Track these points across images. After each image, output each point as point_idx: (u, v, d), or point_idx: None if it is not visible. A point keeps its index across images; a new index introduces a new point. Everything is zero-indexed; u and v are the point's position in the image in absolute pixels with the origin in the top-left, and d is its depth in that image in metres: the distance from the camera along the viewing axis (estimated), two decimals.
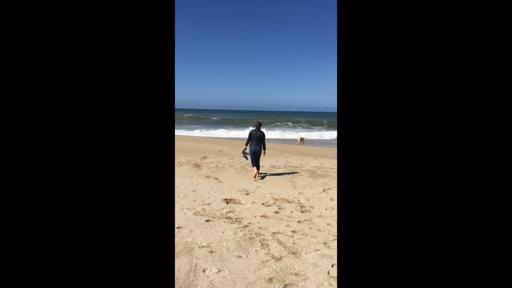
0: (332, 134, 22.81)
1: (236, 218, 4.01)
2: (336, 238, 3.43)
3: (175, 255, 2.91)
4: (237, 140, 17.03)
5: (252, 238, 3.38)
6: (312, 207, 4.59)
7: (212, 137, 19.03)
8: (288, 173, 7.19)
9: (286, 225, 3.80)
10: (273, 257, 2.93)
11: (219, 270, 2.66)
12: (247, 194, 5.26)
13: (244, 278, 2.55)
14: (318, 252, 3.07)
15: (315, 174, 7.21)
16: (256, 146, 6.51)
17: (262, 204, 4.70)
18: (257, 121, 6.93)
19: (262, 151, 6.63)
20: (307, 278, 2.59)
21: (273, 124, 32.12)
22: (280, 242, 3.28)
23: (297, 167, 8.12)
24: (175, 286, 2.40)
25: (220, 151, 11.21)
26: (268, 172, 7.29)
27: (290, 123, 33.46)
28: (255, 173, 6.49)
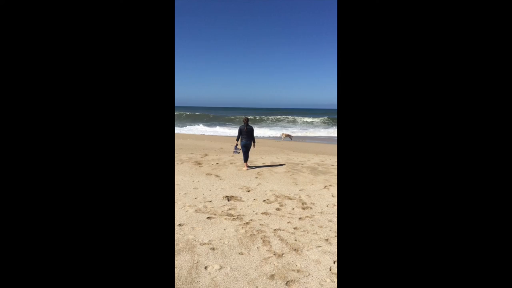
0: (330, 132, 22.76)
1: (238, 215, 4.01)
2: None
3: (177, 252, 2.91)
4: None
5: (254, 235, 3.38)
6: (313, 204, 4.59)
7: (212, 135, 19.00)
8: (289, 170, 7.18)
9: (288, 222, 3.80)
10: (274, 254, 2.93)
11: (221, 267, 2.66)
12: (248, 191, 5.26)
13: (246, 275, 2.55)
14: (320, 248, 3.07)
15: (316, 171, 7.20)
16: (247, 140, 7.18)
17: (263, 201, 4.70)
18: (245, 117, 7.56)
19: (252, 144, 7.28)
20: (309, 274, 2.59)
21: (273, 120, 32.06)
22: (281, 239, 3.28)
23: (298, 164, 8.12)
24: (177, 283, 2.40)
25: (221, 148, 11.20)
26: (269, 169, 7.28)
27: (287, 119, 33.39)
28: (244, 166, 7.23)
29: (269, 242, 3.20)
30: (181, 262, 2.72)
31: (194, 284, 2.40)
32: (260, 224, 3.70)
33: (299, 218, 3.95)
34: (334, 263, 2.79)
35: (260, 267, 2.69)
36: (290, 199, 4.84)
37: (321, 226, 3.67)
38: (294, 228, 3.60)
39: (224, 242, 3.17)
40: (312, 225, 3.73)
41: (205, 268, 2.64)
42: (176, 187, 5.41)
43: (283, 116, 36.22)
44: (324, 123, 32.03)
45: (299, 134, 20.60)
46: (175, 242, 3.13)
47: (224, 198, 4.78)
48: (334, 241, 3.27)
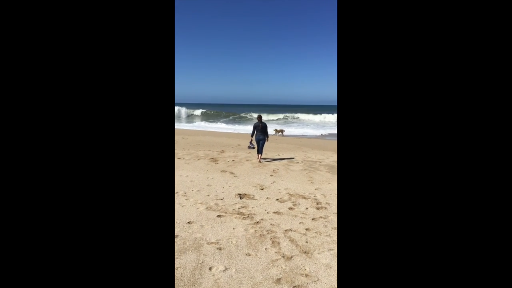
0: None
1: (249, 214, 3.90)
2: None
3: (183, 251, 2.85)
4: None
5: (263, 235, 3.26)
6: (328, 204, 4.40)
7: (230, 132, 19.04)
8: (306, 168, 6.99)
9: (300, 222, 3.65)
10: (283, 256, 2.80)
11: (226, 269, 2.57)
12: (262, 189, 5.15)
13: (251, 277, 2.45)
14: (332, 252, 2.91)
15: (334, 169, 6.96)
16: (260, 135, 7.80)
17: (277, 200, 4.57)
18: (259, 114, 8.51)
19: (266, 138, 7.89)
20: (318, 279, 2.44)
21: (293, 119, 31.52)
22: (292, 240, 3.14)
23: (315, 161, 7.90)
24: (179, 284, 2.34)
25: (239, 145, 11.16)
26: (285, 166, 7.13)
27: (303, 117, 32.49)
28: (258, 158, 7.80)
29: (278, 243, 3.08)
30: (186, 261, 2.66)
31: (196, 286, 2.32)
32: (271, 224, 3.58)
33: (312, 219, 3.78)
34: None
35: (267, 269, 2.57)
36: (305, 198, 4.68)
37: (335, 228, 3.50)
38: (306, 229, 3.45)
39: (231, 242, 3.07)
40: (326, 226, 3.56)
41: (210, 269, 2.56)
42: (190, 183, 5.39)
43: (299, 114, 35.26)
44: None
45: (317, 133, 20.16)
46: (183, 241, 3.07)
47: (237, 196, 4.70)
48: None
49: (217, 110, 43.25)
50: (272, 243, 3.08)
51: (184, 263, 2.63)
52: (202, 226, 3.48)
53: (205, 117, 34.96)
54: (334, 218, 3.81)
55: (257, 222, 3.63)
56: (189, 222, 3.58)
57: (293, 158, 8.43)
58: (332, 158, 8.58)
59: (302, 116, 33.26)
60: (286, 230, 3.40)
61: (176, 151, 9.15)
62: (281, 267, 2.61)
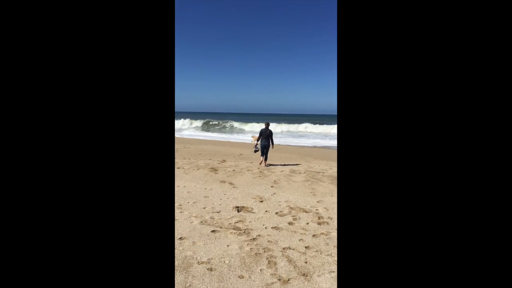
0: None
1: (245, 229, 3.66)
2: None
3: None
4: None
5: (259, 254, 3.02)
6: (331, 219, 4.14)
7: (232, 141, 18.85)
8: (308, 179, 6.73)
9: (300, 239, 3.40)
10: (279, 279, 2.55)
11: None
12: (261, 201, 4.91)
13: None
14: (333, 274, 2.65)
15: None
16: (266, 141, 8.27)
17: (276, 213, 4.32)
18: (266, 121, 8.89)
19: (271, 145, 8.36)
20: None
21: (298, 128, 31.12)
22: (289, 260, 2.89)
23: (318, 172, 7.64)
24: None
25: (241, 154, 10.95)
26: (287, 177, 6.88)
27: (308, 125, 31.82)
28: (262, 162, 8.32)
29: (275, 263, 2.83)
30: None
31: None
32: (268, 241, 3.33)
33: (313, 235, 3.53)
34: None
35: None
36: (306, 212, 4.42)
37: (337, 246, 3.23)
38: (305, 247, 3.19)
39: (224, 262, 2.83)
40: (327, 244, 3.30)
41: None
42: (187, 195, 5.17)
43: (307, 123, 34.62)
44: None
45: (325, 143, 19.90)
46: None
47: (234, 209, 4.46)
48: None
49: (219, 120, 42.39)
50: (268, 263, 2.83)
51: None
52: (194, 242, 3.25)
53: (207, 128, 34.10)
54: (336, 235, 3.55)
55: (254, 239, 3.38)
56: (180, 238, 3.35)
57: (295, 168, 8.18)
58: (335, 168, 8.31)
59: (307, 126, 32.75)
60: (284, 248, 3.16)
61: (176, 160, 8.97)
62: None
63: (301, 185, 6.13)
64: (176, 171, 7.16)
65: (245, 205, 4.66)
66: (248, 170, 7.58)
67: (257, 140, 8.46)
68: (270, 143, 8.30)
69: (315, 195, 5.42)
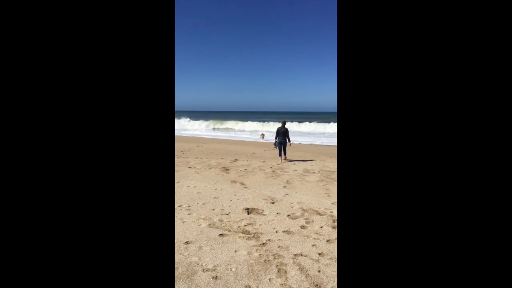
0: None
1: (255, 233, 3.47)
2: None
3: None
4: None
5: (269, 261, 2.82)
6: None
7: (244, 140, 18.69)
8: (323, 179, 6.47)
9: (312, 245, 3.18)
10: None
11: None
12: (273, 203, 4.70)
13: None
14: None
15: None
16: (282, 139, 8.84)
17: (288, 216, 4.11)
18: (283, 120, 9.38)
19: (288, 142, 8.95)
20: None
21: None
22: (301, 269, 2.68)
23: (334, 172, 7.35)
24: None
25: (253, 153, 10.77)
26: (300, 177, 6.64)
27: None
28: (280, 159, 8.83)
29: (285, 272, 2.62)
30: None
31: None
32: (279, 247, 3.13)
33: (327, 241, 3.30)
34: None
35: None
36: (320, 214, 4.18)
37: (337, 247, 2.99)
38: (319, 254, 2.97)
39: (231, 269, 2.65)
40: None
41: None
42: (196, 195, 5.04)
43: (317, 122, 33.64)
44: None
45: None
46: (175, 266, 2.69)
47: (244, 211, 4.28)
48: None
49: (222, 119, 40.46)
50: (278, 271, 2.63)
51: None
52: (200, 247, 3.08)
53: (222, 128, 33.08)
54: None
55: (263, 244, 3.19)
56: (186, 242, 3.19)
57: (309, 167, 7.92)
58: None
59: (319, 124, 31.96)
60: (295, 255, 2.94)
61: (188, 159, 8.89)
62: None
63: (315, 186, 5.88)
64: (188, 171, 7.06)
65: (255, 207, 4.47)
66: (260, 170, 7.39)
67: (275, 138, 8.97)
68: (286, 140, 8.87)
69: (329, 196, 5.16)
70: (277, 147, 8.98)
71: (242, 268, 2.67)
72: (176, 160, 8.60)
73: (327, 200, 4.88)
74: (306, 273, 2.62)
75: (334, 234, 3.48)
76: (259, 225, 3.76)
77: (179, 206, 4.46)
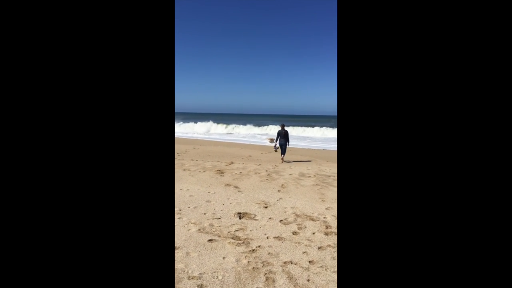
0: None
1: (245, 239, 3.38)
2: None
3: None
4: (268, 146, 16.36)
5: (257, 268, 2.73)
6: None
7: (242, 143, 18.61)
8: (318, 183, 6.39)
9: (303, 252, 3.09)
10: None
11: None
12: (266, 207, 4.61)
13: None
14: None
15: None
16: (283, 141, 9.60)
17: (280, 221, 4.02)
18: (282, 123, 10.02)
19: (287, 143, 9.65)
20: None
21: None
22: (290, 277, 2.59)
23: (329, 176, 7.27)
24: None
25: (250, 156, 10.69)
26: (295, 181, 6.56)
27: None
28: (282, 158, 9.54)
29: (273, 281, 2.53)
30: None
31: None
32: (269, 253, 3.04)
33: (319, 248, 3.21)
34: None
35: None
36: (313, 220, 4.10)
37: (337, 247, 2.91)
38: (309, 262, 2.88)
39: (217, 277, 2.56)
40: (334, 258, 2.98)
41: None
42: (188, 199, 4.95)
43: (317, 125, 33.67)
44: None
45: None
46: None
47: (236, 215, 4.19)
48: None
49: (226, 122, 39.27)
50: (266, 280, 2.54)
51: None
52: (187, 253, 3.00)
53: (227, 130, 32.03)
54: None
55: (253, 250, 3.10)
56: (174, 248, 3.10)
57: (305, 171, 7.84)
58: None
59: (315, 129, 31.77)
60: (285, 262, 2.86)
61: (183, 161, 8.81)
62: None
63: (310, 190, 5.80)
64: (182, 173, 6.97)
65: (248, 211, 4.38)
66: (255, 173, 7.30)
67: (276, 141, 9.77)
68: (286, 141, 9.60)
69: (324, 201, 5.08)
70: (279, 149, 9.73)
71: (229, 276, 2.59)
72: None
73: (321, 205, 4.80)
74: (295, 282, 2.53)
75: (326, 241, 3.40)
76: (250, 230, 3.67)
77: None
